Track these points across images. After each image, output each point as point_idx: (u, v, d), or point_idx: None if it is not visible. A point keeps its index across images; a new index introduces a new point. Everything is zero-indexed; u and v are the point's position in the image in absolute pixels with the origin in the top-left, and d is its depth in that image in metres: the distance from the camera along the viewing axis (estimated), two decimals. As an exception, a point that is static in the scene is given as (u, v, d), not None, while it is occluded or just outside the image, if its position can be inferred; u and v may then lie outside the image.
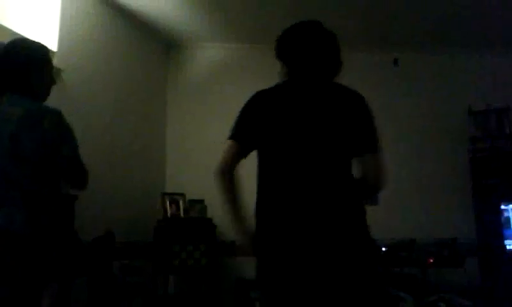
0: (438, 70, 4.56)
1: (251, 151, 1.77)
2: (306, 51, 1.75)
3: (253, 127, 1.72)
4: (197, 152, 4.38)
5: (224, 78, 4.56)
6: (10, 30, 2.71)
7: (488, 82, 4.36)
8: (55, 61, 3.05)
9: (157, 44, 4.45)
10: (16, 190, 1.64)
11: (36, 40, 1.97)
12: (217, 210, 4.06)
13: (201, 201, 4.02)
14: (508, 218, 3.88)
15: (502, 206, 3.89)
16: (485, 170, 4.07)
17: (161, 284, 3.69)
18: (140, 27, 4.10)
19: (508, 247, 3.82)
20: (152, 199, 4.02)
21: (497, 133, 4.14)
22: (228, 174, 1.75)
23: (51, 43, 3.07)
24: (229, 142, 1.77)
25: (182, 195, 4.05)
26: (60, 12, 3.15)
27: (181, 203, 4.00)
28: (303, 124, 1.62)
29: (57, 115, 1.74)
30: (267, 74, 4.70)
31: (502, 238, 3.85)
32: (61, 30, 3.14)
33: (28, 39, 1.98)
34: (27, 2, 2.91)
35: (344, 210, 1.54)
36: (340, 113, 1.62)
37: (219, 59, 4.60)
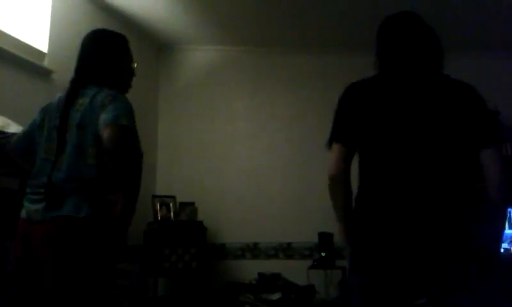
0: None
1: (361, 151, 1.61)
2: (405, 41, 1.61)
3: (356, 125, 1.57)
4: (188, 154, 4.38)
5: (215, 80, 4.56)
6: (0, 31, 2.70)
7: (476, 85, 4.40)
8: (45, 63, 3.05)
9: (148, 46, 4.44)
10: (81, 181, 1.65)
11: (115, 31, 1.96)
12: (207, 212, 4.07)
13: (191, 204, 4.01)
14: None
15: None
16: (474, 174, 4.09)
17: (151, 287, 3.67)
18: (131, 30, 4.08)
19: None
20: (142, 202, 4.00)
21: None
22: (343, 180, 1.58)
23: (42, 44, 3.05)
24: (335, 146, 1.59)
25: (173, 197, 4.04)
26: (51, 13, 3.13)
27: (171, 205, 3.99)
28: (408, 118, 1.51)
29: (111, 94, 1.71)
30: (258, 76, 4.77)
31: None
32: (51, 31, 3.13)
33: (107, 30, 1.96)
34: (18, 3, 2.89)
35: (450, 213, 1.45)
36: (449, 105, 1.51)
37: (210, 61, 4.60)
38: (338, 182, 1.58)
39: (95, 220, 1.64)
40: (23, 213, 1.73)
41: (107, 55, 1.87)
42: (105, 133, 1.60)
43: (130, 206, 1.73)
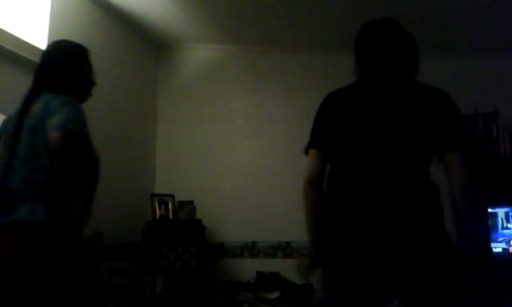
0: (425, 75, 4.59)
1: (331, 156, 1.68)
2: (380, 49, 1.66)
3: (330, 132, 1.65)
4: (187, 153, 4.38)
5: (214, 79, 4.56)
6: (-1, 28, 2.69)
7: (476, 85, 4.41)
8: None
9: (147, 45, 4.43)
10: (36, 184, 1.66)
11: (75, 42, 2.01)
12: (206, 211, 4.07)
13: (190, 203, 4.01)
14: (495, 221, 3.92)
15: (489, 210, 3.93)
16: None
17: (149, 286, 3.67)
18: (130, 28, 4.08)
19: (495, 251, 3.87)
20: (141, 200, 4.00)
21: (485, 137, 4.18)
22: (317, 185, 1.65)
23: (40, 43, 3.04)
24: (311, 151, 1.68)
25: (172, 196, 4.03)
26: (50, 11, 3.13)
27: (170, 204, 3.99)
28: (377, 123, 1.55)
29: (62, 99, 1.73)
30: (257, 75, 4.76)
31: (489, 241, 3.88)
32: (50, 30, 3.11)
33: (67, 40, 2.02)
34: (17, 1, 2.88)
35: (417, 213, 1.47)
36: (418, 111, 1.54)
37: (210, 60, 4.60)
38: (312, 183, 1.65)
39: (52, 222, 1.65)
40: None
41: (64, 64, 1.91)
42: (51, 137, 1.63)
43: (87, 209, 1.77)
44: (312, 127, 1.73)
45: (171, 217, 3.94)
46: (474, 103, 4.16)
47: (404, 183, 1.51)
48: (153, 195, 4.00)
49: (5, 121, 1.89)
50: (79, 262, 1.77)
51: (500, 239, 3.89)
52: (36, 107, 1.74)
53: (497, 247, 3.87)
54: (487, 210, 3.93)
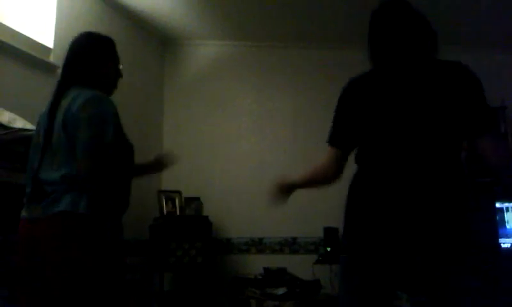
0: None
1: (353, 149, 1.67)
2: (393, 33, 1.60)
3: (351, 126, 1.63)
4: (193, 149, 4.38)
5: (220, 75, 4.56)
6: (6, 26, 2.70)
7: (483, 80, 4.37)
8: (51, 58, 3.06)
9: (154, 41, 4.44)
10: (74, 178, 1.66)
11: (101, 34, 1.98)
12: (213, 207, 4.08)
13: (197, 199, 4.02)
14: (503, 217, 3.90)
15: (497, 205, 3.91)
16: (480, 169, 4.07)
17: (157, 281, 3.68)
18: (136, 24, 4.09)
19: (503, 246, 3.84)
20: (148, 197, 4.02)
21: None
22: (330, 180, 1.71)
23: (47, 39, 3.06)
24: (330, 149, 1.68)
25: (178, 192, 4.05)
26: (56, 8, 3.14)
27: (177, 200, 4.00)
28: (401, 110, 1.52)
29: (86, 99, 1.72)
30: (263, 71, 4.75)
31: (496, 237, 3.86)
32: (57, 26, 3.13)
33: (92, 33, 1.98)
34: (23, -2, 2.90)
35: (445, 201, 1.46)
36: (441, 94, 1.50)
37: (215, 56, 4.60)
38: (327, 181, 1.71)
39: (96, 214, 1.66)
40: (23, 212, 1.76)
41: (91, 56, 1.90)
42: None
43: (125, 199, 1.87)
44: (333, 119, 1.69)
45: (178, 213, 3.96)
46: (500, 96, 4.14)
47: (433, 174, 1.48)
48: (160, 191, 4.01)
49: (42, 115, 1.89)
50: (119, 254, 1.78)
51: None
52: (65, 102, 1.74)
53: (505, 243, 3.85)
54: (495, 206, 3.91)
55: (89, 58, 1.89)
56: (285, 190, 1.86)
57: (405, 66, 1.57)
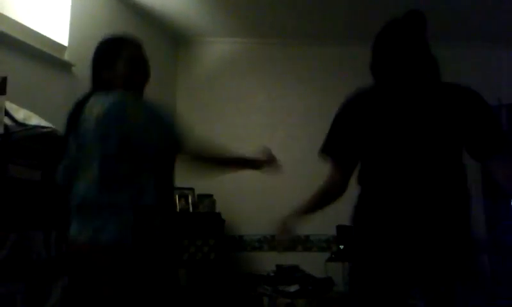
0: (447, 66, 4.52)
1: (351, 164, 1.68)
2: (399, 53, 1.60)
3: (348, 140, 1.64)
4: (206, 147, 4.39)
5: (233, 73, 4.56)
6: (21, 24, 2.73)
7: (500, 77, 4.32)
8: (66, 56, 3.08)
9: (166, 39, 4.46)
10: (105, 197, 1.60)
11: (108, 36, 1.96)
12: (225, 204, 4.09)
13: (210, 196, 4.03)
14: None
15: (512, 203, 3.87)
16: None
17: (170, 278, 3.70)
18: (149, 22, 4.11)
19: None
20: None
21: (508, 129, 4.10)
22: (335, 195, 1.77)
23: (62, 37, 3.08)
24: (331, 165, 1.71)
25: (191, 189, 4.06)
26: (71, 6, 3.16)
27: (190, 197, 4.01)
28: (406, 129, 1.51)
29: (99, 116, 1.67)
30: (275, 69, 4.74)
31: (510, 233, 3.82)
32: (71, 25, 3.15)
33: (104, 38, 1.96)
34: (38, -3, 2.93)
35: (447, 218, 1.46)
36: (448, 115, 1.49)
37: (228, 54, 4.60)
38: (331, 196, 1.78)
39: (138, 239, 1.58)
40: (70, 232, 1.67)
41: (94, 62, 1.90)
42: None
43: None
44: (328, 133, 1.73)
45: (191, 210, 3.97)
46: (498, 93, 4.08)
47: (437, 196, 1.48)
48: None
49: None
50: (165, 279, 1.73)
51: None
52: (88, 110, 1.73)
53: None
54: (510, 203, 3.86)
55: (94, 64, 1.89)
56: (293, 222, 1.91)
57: (410, 86, 1.56)
